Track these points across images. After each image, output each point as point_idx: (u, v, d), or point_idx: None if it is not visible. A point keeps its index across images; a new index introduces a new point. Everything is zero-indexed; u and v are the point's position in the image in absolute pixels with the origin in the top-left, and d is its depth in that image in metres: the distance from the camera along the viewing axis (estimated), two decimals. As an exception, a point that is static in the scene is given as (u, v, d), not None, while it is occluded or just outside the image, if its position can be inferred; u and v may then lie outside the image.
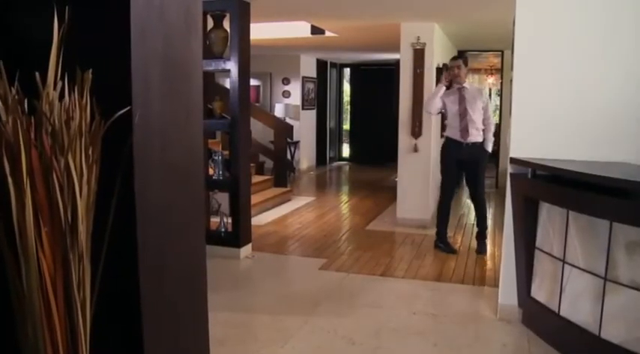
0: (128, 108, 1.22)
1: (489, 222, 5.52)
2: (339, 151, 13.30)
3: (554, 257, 3.18)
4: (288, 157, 10.19)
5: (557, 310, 3.15)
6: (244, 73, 4.86)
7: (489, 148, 5.16)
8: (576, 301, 3.02)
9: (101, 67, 1.20)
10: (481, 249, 5.22)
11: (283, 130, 8.86)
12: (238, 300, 4.00)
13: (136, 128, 1.27)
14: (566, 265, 3.07)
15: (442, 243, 5.35)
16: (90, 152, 1.13)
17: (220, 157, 5.12)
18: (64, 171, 1.08)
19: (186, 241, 1.58)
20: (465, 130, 5.15)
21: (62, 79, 1.16)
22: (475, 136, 5.12)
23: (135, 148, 1.30)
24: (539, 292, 3.35)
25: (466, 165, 5.25)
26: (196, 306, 1.73)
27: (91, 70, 1.16)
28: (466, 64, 5.19)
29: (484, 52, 10.10)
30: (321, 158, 12.15)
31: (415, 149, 6.29)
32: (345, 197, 8.88)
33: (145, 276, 1.35)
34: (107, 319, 1.32)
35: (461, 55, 5.40)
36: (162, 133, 1.43)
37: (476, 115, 5.09)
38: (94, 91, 1.18)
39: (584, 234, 2.95)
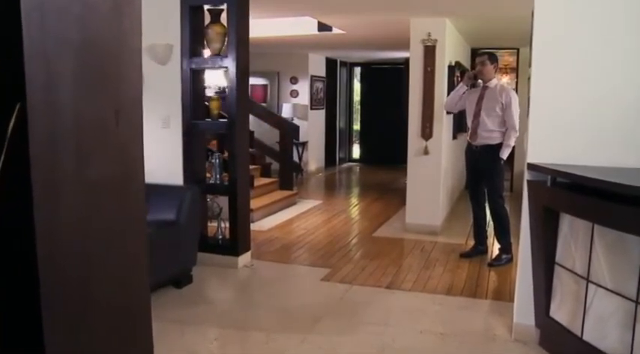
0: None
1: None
2: (349, 151, 12.98)
3: (577, 275, 2.86)
4: (296, 158, 9.91)
5: (579, 334, 2.83)
6: (243, 71, 4.58)
7: (504, 155, 4.73)
8: (602, 325, 2.69)
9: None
10: (494, 262, 4.87)
11: (289, 131, 8.58)
12: (231, 314, 3.72)
13: (34, 135, 0.98)
14: (590, 285, 2.75)
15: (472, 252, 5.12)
16: None
17: (218, 160, 4.84)
18: None
19: (123, 281, 1.27)
20: (474, 132, 4.86)
21: None
22: (485, 139, 4.79)
23: (34, 161, 0.98)
24: (559, 312, 3.03)
25: (479, 169, 4.93)
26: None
27: None
28: (492, 61, 4.82)
29: (499, 50, 9.74)
30: (330, 159, 11.85)
31: (426, 152, 5.97)
32: (353, 200, 8.58)
33: (53, 329, 1.05)
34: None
35: (490, 52, 5.04)
36: (78, 141, 1.12)
37: (489, 118, 4.75)
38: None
39: (611, 251, 2.62)
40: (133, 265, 1.30)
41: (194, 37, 4.59)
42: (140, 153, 1.30)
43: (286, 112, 10.40)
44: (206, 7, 4.56)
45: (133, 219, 1.28)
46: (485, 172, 4.86)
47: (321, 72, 11.27)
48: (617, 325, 2.59)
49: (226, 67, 4.51)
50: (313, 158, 10.97)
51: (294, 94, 10.75)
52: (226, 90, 4.61)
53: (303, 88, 10.72)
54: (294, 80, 10.74)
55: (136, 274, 1.31)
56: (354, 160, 12.90)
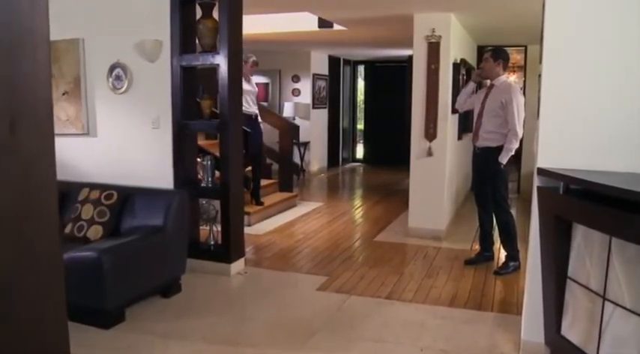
0: None
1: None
2: (353, 151, 12.73)
3: (592, 291, 2.61)
4: (298, 159, 9.67)
5: (594, 356, 2.59)
6: (235, 68, 4.35)
7: (503, 159, 4.43)
8: (621, 348, 2.44)
9: None
10: (500, 270, 4.60)
11: (289, 130, 8.33)
12: (220, 327, 3.49)
13: None
14: (607, 303, 2.50)
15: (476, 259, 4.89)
16: None
17: (209, 162, 4.61)
18: None
19: (30, 325, 1.02)
20: (475, 133, 4.62)
21: None
22: (485, 140, 4.54)
23: None
24: (572, 330, 2.78)
25: (482, 172, 4.69)
26: None
27: None
28: (495, 58, 4.56)
29: (506, 48, 9.46)
30: (333, 159, 11.60)
31: (429, 153, 5.71)
32: (355, 202, 8.33)
33: None
34: None
35: (494, 49, 4.76)
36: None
37: (490, 118, 4.50)
38: None
39: (631, 267, 2.36)
40: (45, 308, 1.06)
41: (185, 33, 4.36)
42: (51, 171, 1.03)
43: (288, 111, 10.17)
44: (197, 0, 4.33)
45: (41, 255, 1.03)
46: (487, 176, 4.61)
47: (324, 70, 11.03)
48: (637, 348, 2.34)
49: (218, 64, 4.28)
50: (315, 158, 10.72)
51: (296, 92, 10.51)
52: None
53: (306, 86, 10.48)
54: (296, 78, 10.51)
55: (50, 319, 1.07)
56: (358, 161, 12.65)
